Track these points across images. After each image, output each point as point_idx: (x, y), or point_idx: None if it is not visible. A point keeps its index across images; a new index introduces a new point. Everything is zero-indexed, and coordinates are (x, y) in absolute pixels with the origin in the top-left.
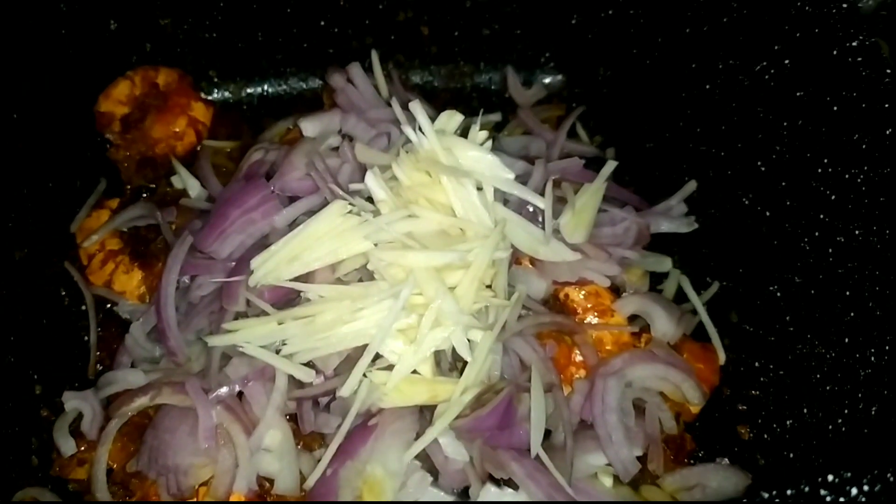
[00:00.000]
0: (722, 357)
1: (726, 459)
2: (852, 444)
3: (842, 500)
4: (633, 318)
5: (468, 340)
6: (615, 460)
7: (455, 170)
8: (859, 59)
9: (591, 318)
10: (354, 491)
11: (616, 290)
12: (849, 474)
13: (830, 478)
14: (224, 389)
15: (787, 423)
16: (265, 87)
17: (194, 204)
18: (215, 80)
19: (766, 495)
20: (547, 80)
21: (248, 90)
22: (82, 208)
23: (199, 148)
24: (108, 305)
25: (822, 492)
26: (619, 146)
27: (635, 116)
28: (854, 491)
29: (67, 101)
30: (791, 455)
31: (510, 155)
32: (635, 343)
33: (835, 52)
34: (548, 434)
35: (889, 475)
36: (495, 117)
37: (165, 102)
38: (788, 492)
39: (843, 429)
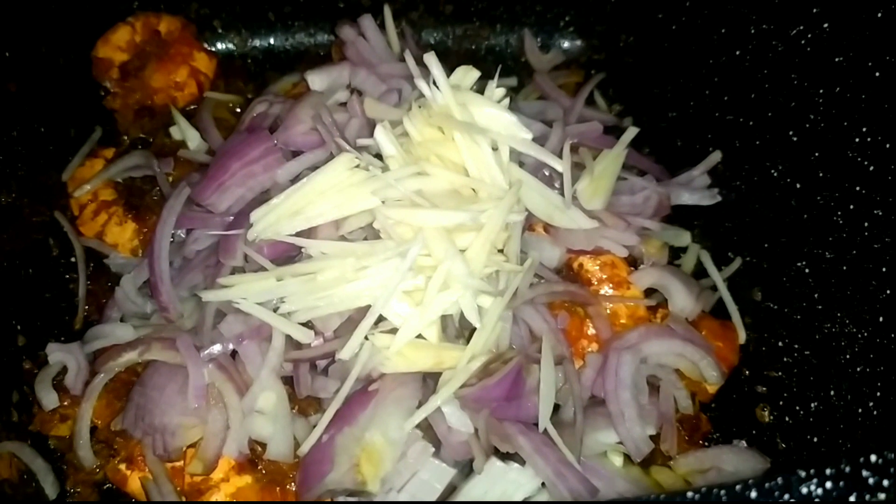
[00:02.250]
0: (742, 335)
1: (744, 442)
2: (885, 428)
3: (886, 482)
4: (650, 293)
5: (477, 306)
6: (627, 438)
7: (469, 126)
8: None
9: (606, 290)
10: (352, 458)
11: (633, 263)
12: (893, 455)
13: (874, 458)
14: (217, 347)
15: (812, 405)
16: (271, 41)
17: (193, 156)
18: (219, 30)
19: (802, 473)
20: (566, 45)
21: (254, 43)
22: (75, 156)
23: (201, 100)
24: (100, 259)
25: (865, 472)
26: (640, 115)
27: (658, 84)
28: None
29: (64, 45)
30: (815, 439)
31: None
32: (651, 318)
33: (879, 15)
34: (557, 409)
35: None
36: (511, 82)
37: (166, 51)
38: (828, 471)
39: (875, 412)
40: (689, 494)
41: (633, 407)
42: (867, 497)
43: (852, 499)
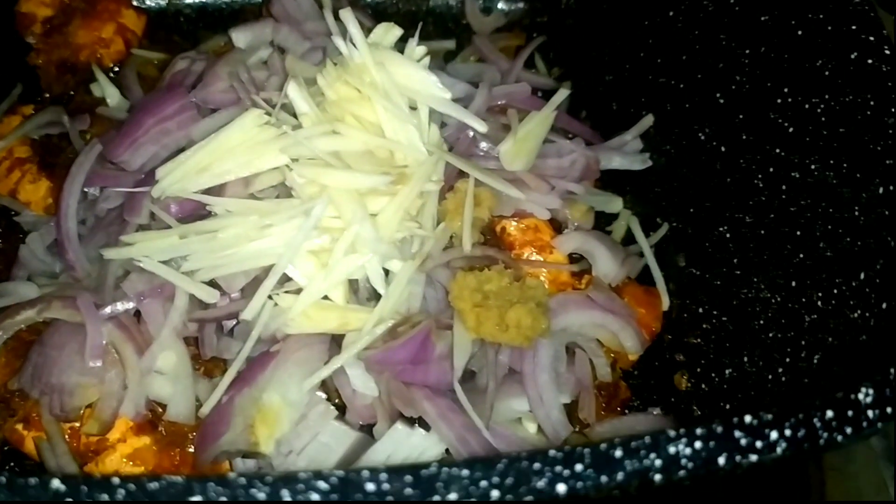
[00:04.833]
0: (666, 302)
1: (658, 409)
2: (790, 394)
3: (759, 444)
4: (575, 258)
5: (386, 271)
6: (545, 422)
7: (385, 85)
8: None
9: (529, 254)
10: (247, 420)
11: (558, 227)
12: (769, 416)
13: (748, 419)
14: (118, 306)
15: (726, 372)
16: None
17: (111, 113)
18: None
19: (672, 434)
20: (507, 8)
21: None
22: None
23: (128, 57)
24: (12, 215)
25: (737, 433)
26: (578, 79)
27: (596, 47)
28: (774, 434)
29: None
30: (728, 406)
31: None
32: (575, 284)
33: None
34: (472, 375)
35: (815, 420)
36: (449, 44)
37: (93, 7)
38: (698, 431)
39: (783, 378)
40: (552, 453)
41: (551, 390)
42: (738, 458)
43: (721, 460)
